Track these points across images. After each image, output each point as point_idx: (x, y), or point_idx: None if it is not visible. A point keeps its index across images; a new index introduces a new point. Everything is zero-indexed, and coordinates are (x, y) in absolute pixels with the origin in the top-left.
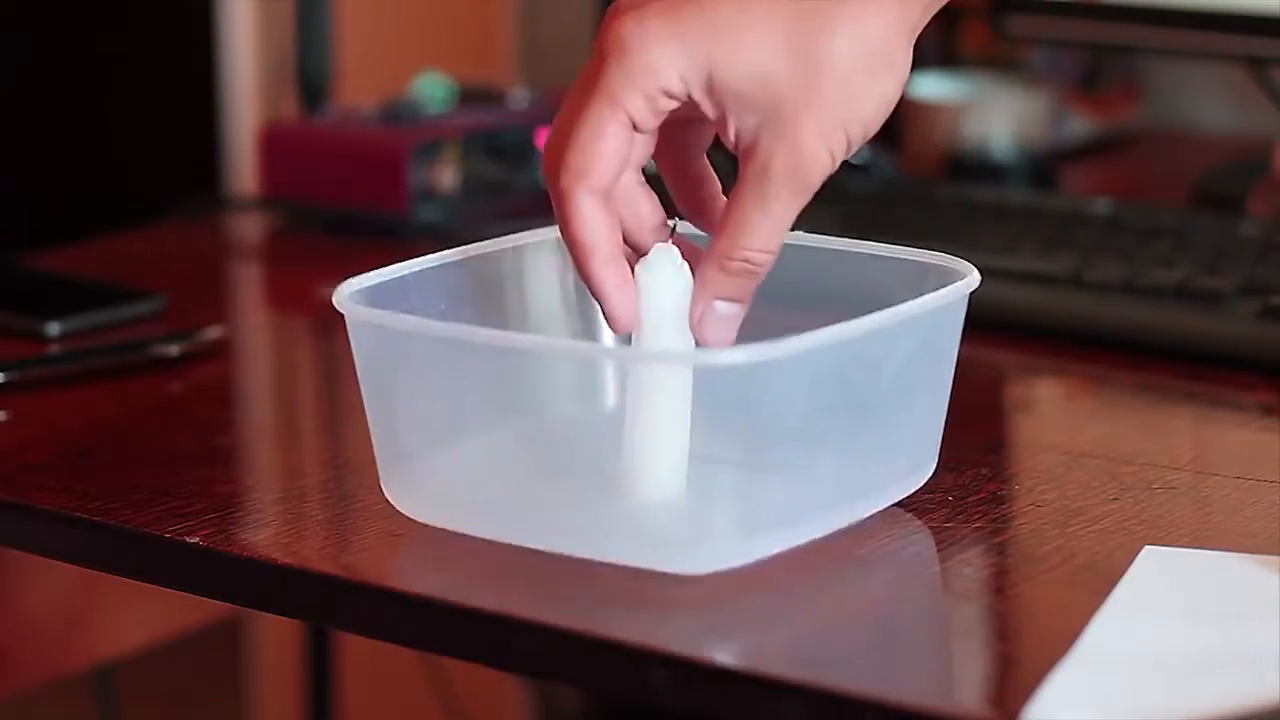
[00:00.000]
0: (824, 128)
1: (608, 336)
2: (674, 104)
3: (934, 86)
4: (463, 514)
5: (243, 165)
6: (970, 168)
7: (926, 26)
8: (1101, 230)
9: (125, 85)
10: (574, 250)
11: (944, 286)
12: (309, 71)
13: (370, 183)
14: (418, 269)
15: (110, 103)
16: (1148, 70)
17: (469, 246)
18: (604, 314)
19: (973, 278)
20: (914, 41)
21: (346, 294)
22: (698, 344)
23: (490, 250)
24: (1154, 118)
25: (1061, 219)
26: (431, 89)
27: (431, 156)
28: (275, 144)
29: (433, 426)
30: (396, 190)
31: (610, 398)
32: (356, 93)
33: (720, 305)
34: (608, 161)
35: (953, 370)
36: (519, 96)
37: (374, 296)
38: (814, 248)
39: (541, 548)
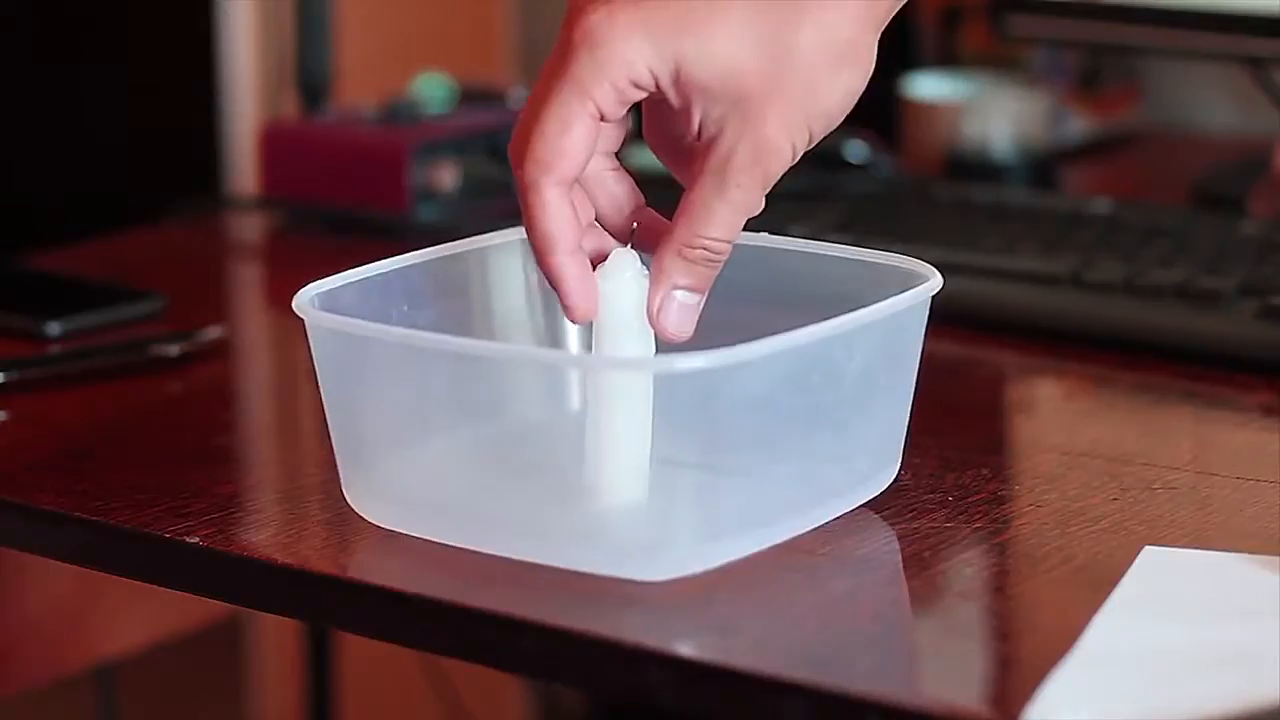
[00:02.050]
0: (787, 120)
1: (572, 336)
2: (641, 94)
3: (934, 86)
4: (423, 519)
5: (243, 165)
6: (970, 168)
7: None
8: (1101, 230)
9: (125, 85)
10: (536, 241)
11: (906, 289)
12: (309, 71)
13: (370, 183)
14: (379, 271)
15: (110, 102)
16: (1148, 70)
17: (431, 249)
18: (562, 305)
19: (934, 281)
20: (879, 34)
21: (306, 298)
22: (657, 333)
23: (453, 252)
24: (1154, 118)
25: (1061, 219)
26: (431, 89)
27: (431, 156)
28: (275, 144)
29: (392, 431)
30: (396, 190)
31: (572, 400)
32: (356, 93)
33: (680, 294)
34: (575, 153)
35: (915, 373)
36: (519, 96)
37: (335, 300)
38: (777, 248)
39: (501, 554)
